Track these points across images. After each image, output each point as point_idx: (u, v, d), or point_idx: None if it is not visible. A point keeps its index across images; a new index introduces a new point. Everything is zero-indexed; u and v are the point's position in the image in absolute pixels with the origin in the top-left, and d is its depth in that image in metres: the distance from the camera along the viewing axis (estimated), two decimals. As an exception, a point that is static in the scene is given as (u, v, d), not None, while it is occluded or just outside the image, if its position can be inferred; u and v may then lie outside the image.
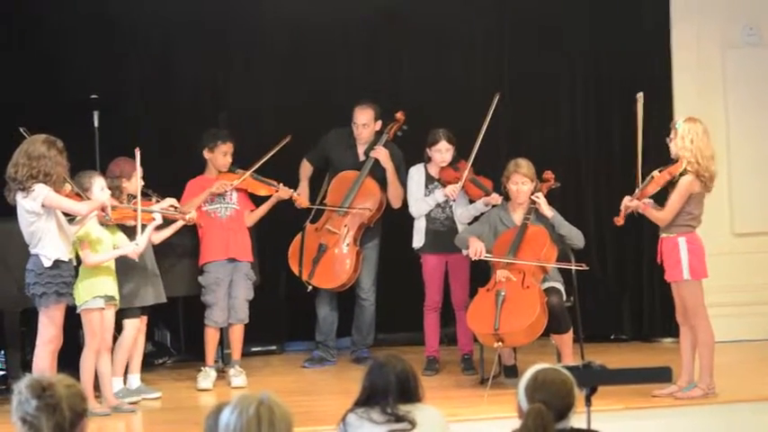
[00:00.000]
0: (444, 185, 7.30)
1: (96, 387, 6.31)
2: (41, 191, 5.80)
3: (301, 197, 7.49)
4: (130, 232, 6.48)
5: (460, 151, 7.32)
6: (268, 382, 7.18)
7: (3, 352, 7.13)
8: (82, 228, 6.20)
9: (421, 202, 7.36)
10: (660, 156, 6.49)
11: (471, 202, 7.32)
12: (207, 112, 8.23)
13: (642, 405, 6.03)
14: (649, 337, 8.41)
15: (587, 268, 6.88)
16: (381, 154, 7.56)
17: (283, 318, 8.44)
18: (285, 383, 7.18)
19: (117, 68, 8.14)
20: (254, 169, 7.27)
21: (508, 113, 8.25)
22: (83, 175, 6.31)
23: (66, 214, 6.03)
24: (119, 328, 6.63)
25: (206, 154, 7.29)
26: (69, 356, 6.16)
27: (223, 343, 7.41)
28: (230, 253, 7.18)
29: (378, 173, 7.61)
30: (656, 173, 6.21)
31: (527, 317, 6.46)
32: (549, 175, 7.11)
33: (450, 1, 8.51)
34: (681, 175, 6.14)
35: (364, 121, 7.62)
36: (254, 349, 7.99)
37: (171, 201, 6.80)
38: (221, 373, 7.26)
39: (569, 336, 6.75)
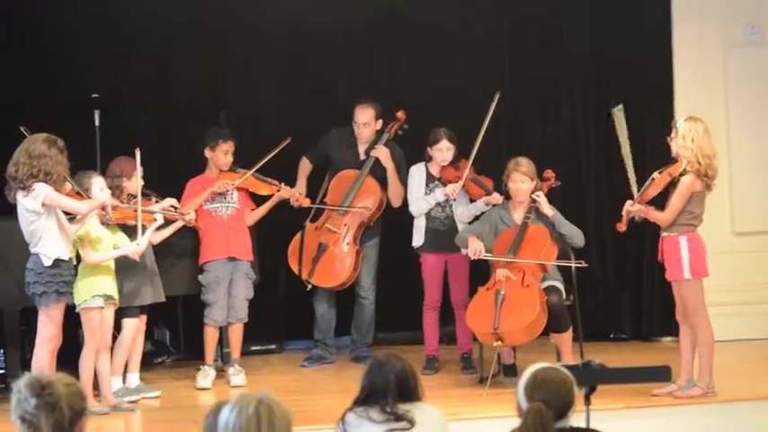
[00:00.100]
0: (445, 184, 7.30)
1: (95, 386, 6.32)
2: (42, 190, 5.81)
3: (302, 196, 7.49)
4: (130, 232, 6.48)
5: (461, 151, 7.33)
6: (267, 381, 7.19)
7: (2, 351, 7.12)
8: (82, 227, 6.20)
9: (421, 201, 7.36)
10: (661, 156, 6.50)
11: (472, 201, 7.32)
12: (206, 112, 8.23)
13: (641, 404, 6.03)
14: (649, 337, 8.40)
15: (587, 265, 6.88)
16: (382, 153, 7.57)
17: (283, 317, 8.44)
18: (284, 382, 7.18)
19: (117, 68, 8.14)
20: (255, 169, 7.27)
21: (509, 113, 8.25)
22: (83, 175, 6.31)
23: (66, 213, 6.04)
24: (117, 328, 6.64)
25: (207, 153, 7.29)
26: (69, 355, 6.16)
27: (222, 342, 7.40)
28: (230, 252, 7.18)
29: (378, 172, 7.61)
30: (656, 174, 6.21)
31: (526, 316, 6.46)
32: (549, 173, 7.11)
33: (450, 1, 8.51)
34: (681, 174, 6.14)
35: (365, 120, 7.62)
36: (253, 348, 7.99)
37: (171, 201, 6.81)
38: (220, 372, 7.26)
39: (569, 335, 6.75)
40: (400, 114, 7.72)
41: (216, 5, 8.27)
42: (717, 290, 6.89)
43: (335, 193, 7.62)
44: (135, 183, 6.59)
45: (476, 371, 7.10)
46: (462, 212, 7.29)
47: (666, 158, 6.32)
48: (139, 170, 6.58)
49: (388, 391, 3.88)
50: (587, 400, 3.78)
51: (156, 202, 6.73)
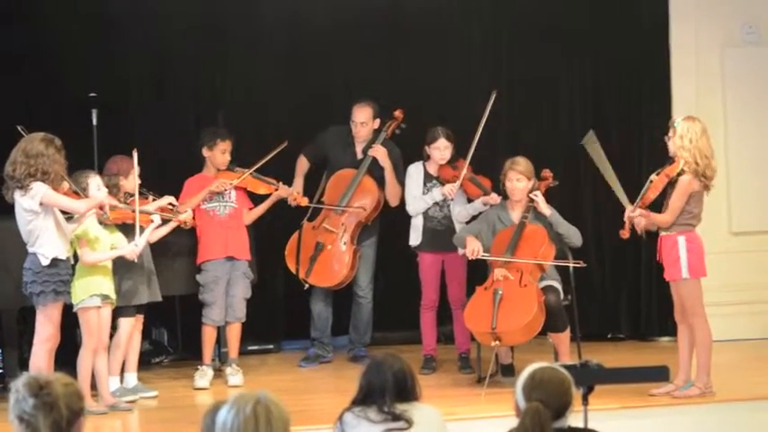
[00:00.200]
0: (443, 184, 7.30)
1: (93, 386, 6.31)
2: (39, 189, 5.80)
3: (300, 195, 7.49)
4: (128, 231, 6.47)
5: (458, 150, 7.32)
6: (265, 381, 7.18)
7: (0, 350, 7.11)
8: (80, 226, 6.19)
9: (419, 200, 7.36)
10: (661, 156, 6.50)
11: (470, 200, 7.32)
12: (206, 112, 8.23)
13: (639, 404, 6.03)
14: (646, 336, 8.41)
15: (584, 265, 6.88)
16: (379, 152, 7.56)
17: (280, 317, 8.44)
18: (282, 382, 7.18)
19: (115, 67, 8.12)
20: (254, 168, 7.27)
21: (507, 113, 8.26)
22: (80, 174, 6.30)
23: (64, 212, 6.03)
24: (113, 327, 6.63)
25: (205, 152, 7.29)
26: (66, 355, 6.16)
27: (220, 341, 7.40)
28: (228, 251, 7.17)
29: (376, 171, 7.61)
30: (653, 176, 6.21)
31: (524, 315, 6.46)
32: (547, 173, 7.11)
33: (450, 1, 8.51)
34: (678, 174, 6.14)
35: (363, 119, 7.62)
36: (251, 348, 7.99)
37: (169, 198, 6.80)
38: (218, 372, 7.25)
39: (567, 334, 6.75)
40: (398, 113, 7.72)
41: (216, 5, 8.25)
42: (715, 290, 6.91)
43: (333, 193, 7.62)
44: (132, 181, 6.58)
45: (473, 371, 7.10)
46: (460, 212, 7.29)
47: (664, 158, 6.32)
48: (136, 169, 6.57)
49: (386, 391, 3.87)
50: (585, 400, 3.78)
51: (154, 200, 6.73)
